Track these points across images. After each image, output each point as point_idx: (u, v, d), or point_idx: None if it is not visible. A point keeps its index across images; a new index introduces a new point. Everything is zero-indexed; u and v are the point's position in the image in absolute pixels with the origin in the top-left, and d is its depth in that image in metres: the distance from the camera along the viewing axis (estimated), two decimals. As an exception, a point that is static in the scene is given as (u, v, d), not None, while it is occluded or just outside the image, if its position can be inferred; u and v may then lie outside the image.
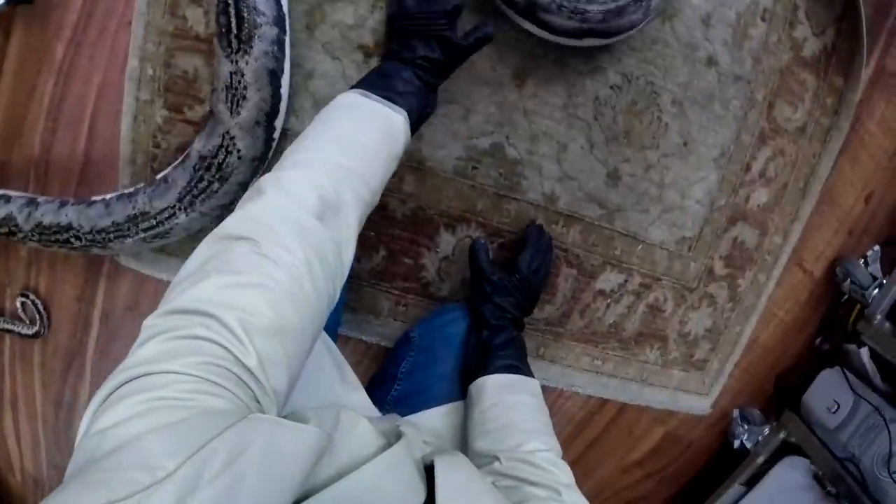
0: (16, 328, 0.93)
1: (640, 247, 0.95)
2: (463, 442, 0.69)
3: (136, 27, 0.76)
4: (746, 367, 1.13)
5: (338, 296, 0.47)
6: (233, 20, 0.63)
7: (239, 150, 0.70)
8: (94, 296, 0.92)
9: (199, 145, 0.73)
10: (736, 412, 1.16)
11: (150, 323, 0.36)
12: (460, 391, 0.74)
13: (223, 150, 0.70)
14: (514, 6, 0.70)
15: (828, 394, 1.06)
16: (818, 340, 1.15)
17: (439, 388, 0.75)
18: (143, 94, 0.78)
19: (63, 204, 0.80)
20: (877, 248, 1.06)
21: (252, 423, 0.30)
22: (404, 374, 0.80)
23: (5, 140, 0.85)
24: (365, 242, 0.87)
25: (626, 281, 0.97)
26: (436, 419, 0.73)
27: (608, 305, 0.98)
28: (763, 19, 0.87)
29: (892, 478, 0.90)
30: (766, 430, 1.12)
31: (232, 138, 0.69)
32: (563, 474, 0.57)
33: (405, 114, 0.55)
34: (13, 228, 0.80)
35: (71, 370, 0.96)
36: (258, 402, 0.35)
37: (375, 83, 0.56)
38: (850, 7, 0.89)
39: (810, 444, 1.05)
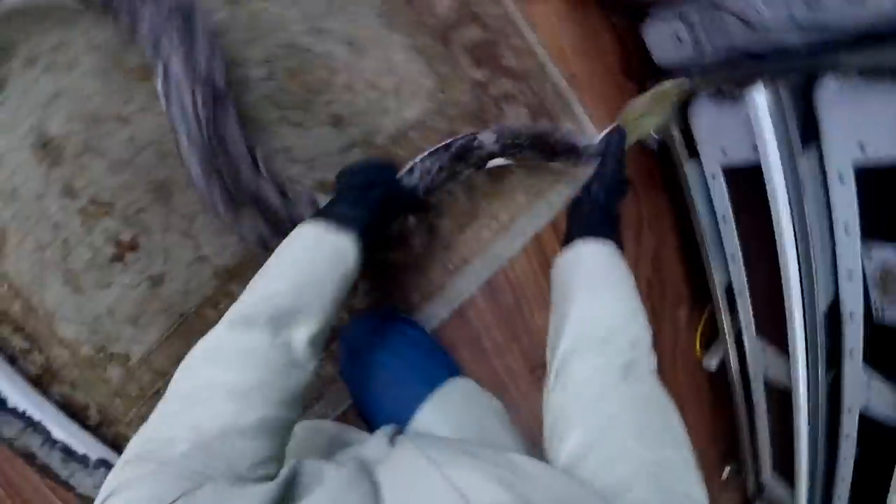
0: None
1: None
2: (461, 426, 0.64)
3: None
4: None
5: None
6: None
7: None
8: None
9: None
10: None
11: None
12: (421, 381, 0.69)
13: None
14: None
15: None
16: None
17: (397, 392, 0.69)
18: None
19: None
20: None
21: (202, 490, 0.34)
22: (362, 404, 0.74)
23: None
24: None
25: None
26: (427, 418, 0.65)
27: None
28: None
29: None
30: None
31: None
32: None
33: (355, 234, 0.57)
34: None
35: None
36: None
37: (328, 209, 0.62)
38: None
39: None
